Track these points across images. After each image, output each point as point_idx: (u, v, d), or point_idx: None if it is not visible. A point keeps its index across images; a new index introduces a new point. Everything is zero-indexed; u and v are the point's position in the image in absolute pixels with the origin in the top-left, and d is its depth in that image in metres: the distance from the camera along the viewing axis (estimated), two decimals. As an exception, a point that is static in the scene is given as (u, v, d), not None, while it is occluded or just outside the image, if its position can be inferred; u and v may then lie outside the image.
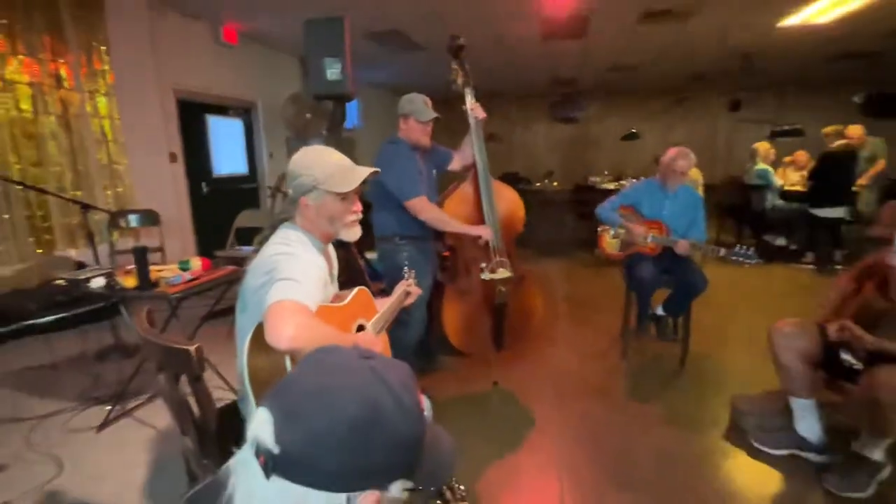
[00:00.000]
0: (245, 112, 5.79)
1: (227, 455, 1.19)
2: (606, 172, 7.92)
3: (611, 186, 6.62)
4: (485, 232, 2.31)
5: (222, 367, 2.53)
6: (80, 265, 3.44)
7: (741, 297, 4.25)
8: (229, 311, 3.71)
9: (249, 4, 4.35)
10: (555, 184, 7.52)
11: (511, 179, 6.95)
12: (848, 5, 4.31)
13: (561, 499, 1.89)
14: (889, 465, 1.90)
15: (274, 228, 1.32)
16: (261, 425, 0.50)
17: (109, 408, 2.31)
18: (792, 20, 4.76)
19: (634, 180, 6.41)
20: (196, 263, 2.22)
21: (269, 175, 6.09)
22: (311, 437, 0.49)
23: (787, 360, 2.05)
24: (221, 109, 5.40)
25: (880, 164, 5.41)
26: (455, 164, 2.54)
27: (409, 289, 1.64)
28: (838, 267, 5.15)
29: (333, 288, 1.41)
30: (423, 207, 2.25)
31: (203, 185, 5.16)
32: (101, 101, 3.91)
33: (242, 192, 5.85)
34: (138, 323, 1.24)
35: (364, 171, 1.31)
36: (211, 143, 5.28)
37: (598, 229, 3.15)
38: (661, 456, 2.15)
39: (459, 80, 2.37)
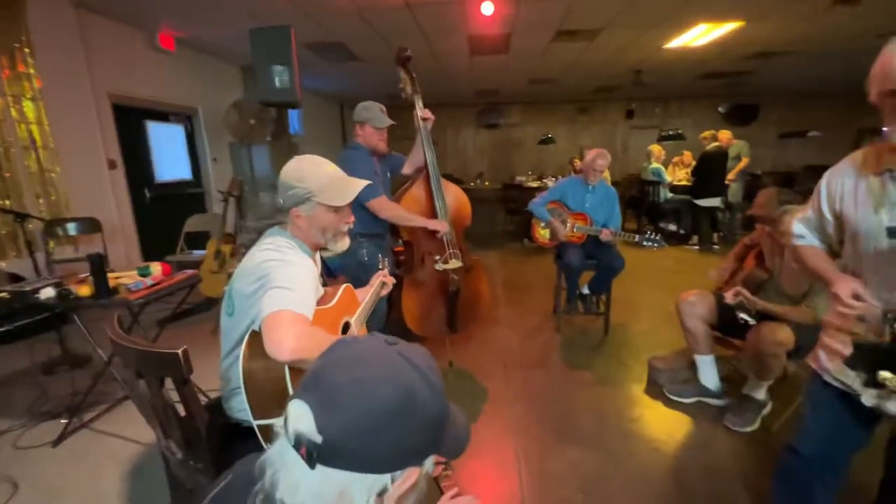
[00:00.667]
0: (186, 118, 5.32)
1: (217, 454, 1.11)
2: (530, 172, 8.21)
3: (534, 185, 6.87)
4: (442, 226, 2.31)
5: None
6: (15, 277, 3.00)
7: (644, 275, 4.60)
8: (186, 315, 3.44)
9: (183, 13, 3.98)
10: (486, 183, 7.67)
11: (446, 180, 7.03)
12: (716, 32, 4.78)
13: (517, 457, 1.96)
14: (770, 402, 2.17)
15: (260, 233, 1.22)
16: (299, 418, 0.47)
17: (65, 421, 2.04)
18: (674, 43, 5.19)
19: (555, 178, 6.72)
20: (156, 269, 2.01)
21: (214, 180, 5.66)
22: (354, 424, 0.47)
23: (691, 323, 2.27)
24: (162, 115, 4.91)
25: (744, 162, 6.09)
26: (408, 168, 2.51)
27: (384, 279, 1.60)
28: (716, 246, 5.75)
29: (320, 290, 1.34)
30: (384, 206, 2.22)
31: (146, 191, 4.69)
32: (28, 106, 3.40)
33: (187, 197, 5.39)
34: (111, 330, 1.11)
35: (358, 185, 1.25)
36: (152, 149, 4.80)
37: (532, 221, 3.27)
38: (594, 411, 2.30)
39: (408, 89, 2.34)
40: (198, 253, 3.86)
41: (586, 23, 4.43)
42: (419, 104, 2.33)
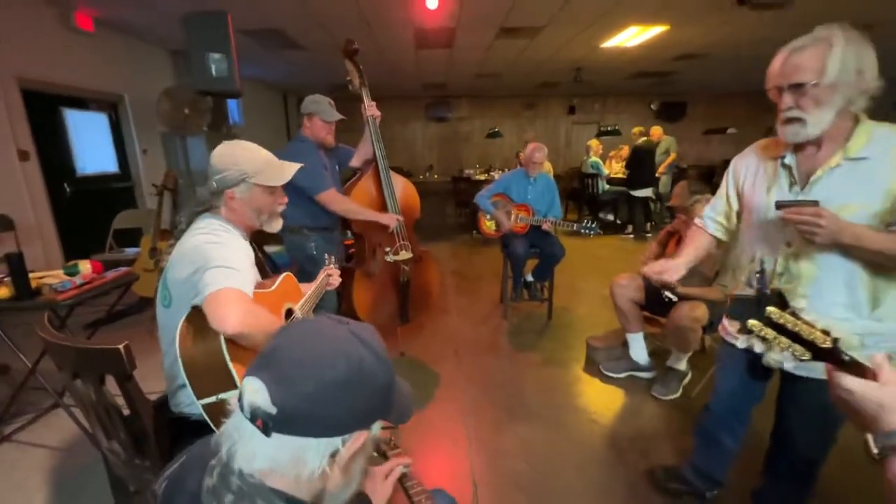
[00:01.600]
0: (111, 106, 4.92)
1: (166, 450, 1.10)
2: (478, 165, 8.37)
3: (482, 177, 7.02)
4: (392, 220, 2.34)
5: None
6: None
7: (584, 263, 4.88)
8: (119, 317, 3.24)
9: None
10: (435, 176, 7.74)
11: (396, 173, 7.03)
12: (646, 35, 5.12)
13: (468, 437, 2.06)
14: (690, 371, 2.43)
15: (190, 221, 1.21)
16: (255, 393, 0.51)
17: (-17, 435, 1.89)
18: (610, 43, 5.50)
19: (502, 171, 6.91)
20: (86, 267, 1.88)
21: (144, 173, 5.29)
22: (308, 396, 0.51)
23: (622, 304, 2.47)
24: (81, 103, 4.51)
25: (672, 157, 6.59)
26: (356, 161, 2.51)
27: (330, 272, 1.62)
28: (648, 234, 6.20)
29: (257, 276, 1.34)
30: (334, 199, 2.21)
31: (66, 185, 4.30)
32: (-82, 90, 3.03)
33: (114, 191, 5.00)
34: (42, 330, 1.06)
35: (292, 167, 1.28)
36: (72, 140, 4.40)
37: (479, 214, 3.38)
38: (543, 391, 2.46)
39: (356, 81, 2.33)
40: (130, 251, 3.62)
41: (528, 21, 4.59)
42: (367, 97, 2.34)
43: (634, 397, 2.38)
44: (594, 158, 6.61)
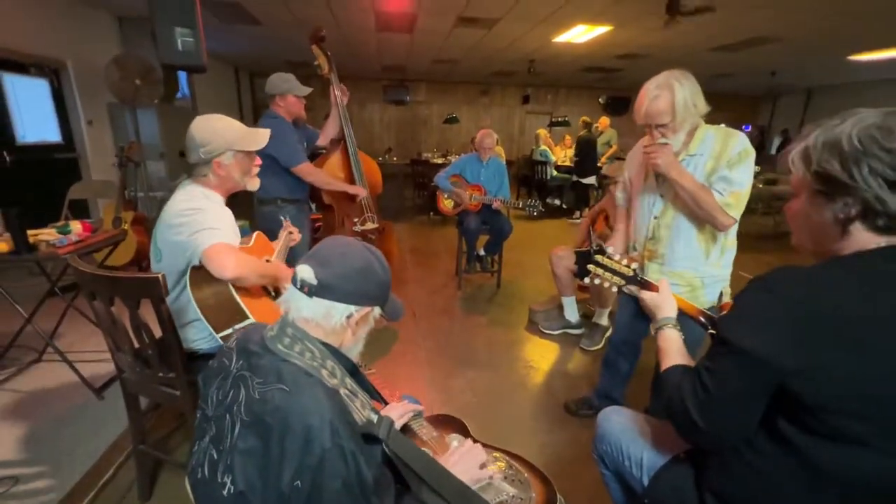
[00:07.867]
0: (53, 72, 4.78)
1: (185, 365, 1.39)
2: (436, 149, 8.70)
3: (440, 161, 7.38)
4: (361, 190, 2.65)
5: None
6: None
7: (531, 243, 5.40)
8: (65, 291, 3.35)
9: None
10: (394, 159, 8.00)
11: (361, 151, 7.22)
12: (593, 33, 5.64)
13: (425, 379, 2.46)
14: (610, 326, 2.95)
15: (172, 191, 1.45)
16: (305, 271, 0.85)
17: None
18: (561, 38, 5.98)
19: (458, 156, 7.29)
20: (76, 227, 2.05)
21: (89, 144, 5.19)
22: (338, 275, 0.86)
23: (559, 271, 2.95)
24: (21, 68, 4.38)
25: (614, 148, 7.25)
26: (322, 140, 2.78)
27: (290, 229, 1.85)
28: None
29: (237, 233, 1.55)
30: (311, 171, 2.48)
31: (5, 154, 4.19)
32: None
33: (58, 162, 4.89)
34: (83, 266, 1.31)
35: (265, 133, 1.52)
36: (11, 106, 4.29)
37: (437, 194, 3.76)
38: (489, 345, 2.90)
39: (325, 67, 2.60)
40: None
41: (485, 12, 4.95)
42: (336, 83, 2.62)
43: (566, 349, 2.88)
44: (543, 147, 7.15)
